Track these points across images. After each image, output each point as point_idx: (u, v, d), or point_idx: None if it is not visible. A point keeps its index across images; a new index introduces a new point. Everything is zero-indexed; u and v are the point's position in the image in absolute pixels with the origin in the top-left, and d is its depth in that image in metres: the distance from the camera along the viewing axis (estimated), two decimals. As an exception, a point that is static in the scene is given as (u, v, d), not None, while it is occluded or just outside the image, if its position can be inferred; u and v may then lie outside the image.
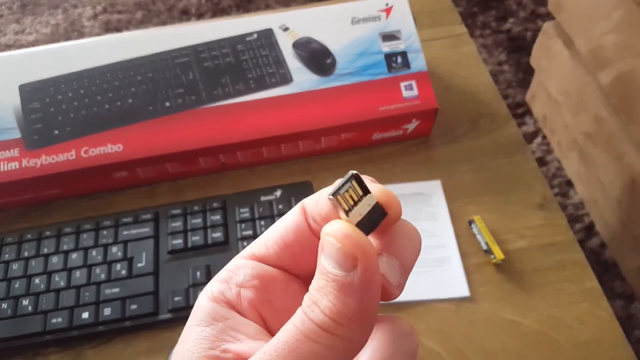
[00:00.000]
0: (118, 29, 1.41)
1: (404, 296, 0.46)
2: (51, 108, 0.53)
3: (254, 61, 0.54)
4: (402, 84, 0.53)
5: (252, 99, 0.53)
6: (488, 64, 1.25)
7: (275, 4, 1.44)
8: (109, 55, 0.54)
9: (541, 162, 1.09)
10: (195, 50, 0.55)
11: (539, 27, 1.28)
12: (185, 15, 1.43)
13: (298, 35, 0.55)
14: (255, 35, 0.56)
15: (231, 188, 0.54)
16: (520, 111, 1.16)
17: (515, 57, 1.26)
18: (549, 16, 1.27)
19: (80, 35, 1.41)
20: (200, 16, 1.42)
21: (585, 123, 0.93)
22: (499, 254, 0.47)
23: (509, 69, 1.24)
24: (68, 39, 1.40)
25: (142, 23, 1.41)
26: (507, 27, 1.32)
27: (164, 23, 1.41)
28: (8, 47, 1.40)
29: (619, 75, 0.81)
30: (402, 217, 0.17)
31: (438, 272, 0.48)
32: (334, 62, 0.54)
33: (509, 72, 1.24)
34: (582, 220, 1.02)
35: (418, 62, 0.54)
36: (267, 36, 0.55)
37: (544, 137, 1.11)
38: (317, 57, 0.54)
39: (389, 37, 0.55)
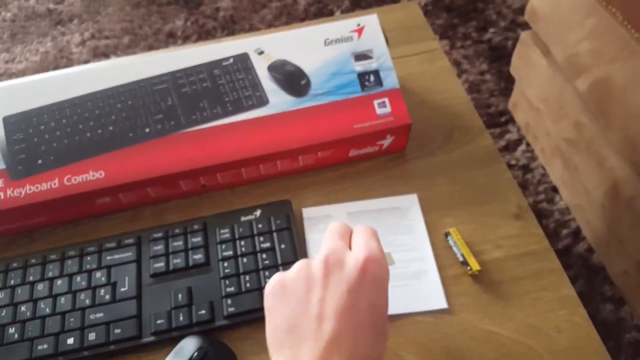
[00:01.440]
0: (106, 55, 1.43)
1: (384, 310, 0.47)
2: (34, 138, 0.54)
3: (231, 85, 0.56)
4: (375, 102, 0.55)
5: (230, 121, 0.54)
6: (470, 74, 1.27)
7: (259, 23, 1.47)
8: (89, 84, 0.56)
9: (526, 169, 1.10)
10: (174, 77, 0.56)
11: (519, 36, 1.30)
12: (171, 38, 1.45)
13: (273, 58, 0.57)
14: (231, 60, 0.57)
15: (213, 209, 0.55)
16: (504, 119, 1.18)
17: (496, 66, 1.29)
18: (527, 25, 1.30)
19: (69, 61, 1.43)
20: (186, 39, 1.45)
21: (566, 129, 0.94)
22: (474, 266, 0.48)
23: (491, 78, 1.26)
24: (57, 65, 1.42)
25: (129, 47, 1.43)
26: (488, 37, 1.35)
27: (150, 47, 1.44)
28: (-1, 75, 1.42)
29: (594, 81, 0.83)
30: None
31: (416, 285, 0.48)
32: (308, 83, 0.56)
33: (491, 81, 1.26)
34: (568, 225, 1.03)
35: (390, 80, 0.56)
36: (243, 60, 0.57)
37: (528, 144, 1.13)
38: (292, 79, 0.56)
39: (361, 56, 0.57)
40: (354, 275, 0.34)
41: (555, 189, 1.06)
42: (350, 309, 0.33)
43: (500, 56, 1.30)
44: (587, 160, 0.90)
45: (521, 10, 1.40)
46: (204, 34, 1.45)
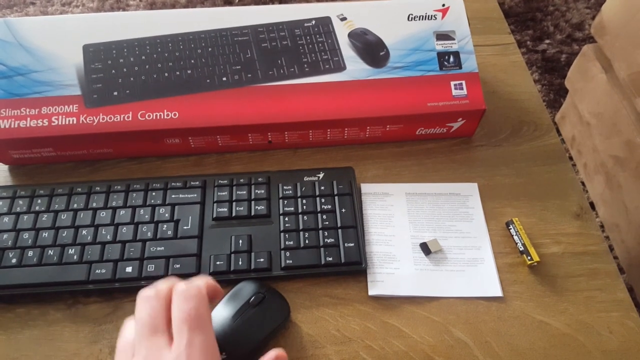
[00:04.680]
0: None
1: (438, 292, 0.47)
2: (112, 70, 0.55)
3: (310, 46, 0.56)
4: (453, 83, 0.55)
5: (305, 82, 0.54)
6: (521, 82, 1.26)
7: None
8: (170, 26, 0.56)
9: (566, 182, 1.09)
10: (255, 31, 0.57)
11: (574, 51, 1.29)
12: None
13: (355, 25, 0.57)
14: (313, 22, 0.57)
15: (274, 166, 0.56)
16: (550, 130, 1.17)
17: (548, 78, 1.27)
18: (585, 41, 1.28)
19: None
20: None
21: (616, 147, 0.93)
22: (535, 256, 0.48)
23: (541, 88, 1.25)
24: (111, 15, 1.43)
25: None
26: (543, 47, 1.33)
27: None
28: (53, 16, 1.43)
29: (656, 102, 0.82)
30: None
31: (472, 272, 0.48)
32: (387, 54, 0.56)
33: (541, 92, 1.25)
34: (601, 243, 1.02)
35: (469, 63, 0.56)
36: (324, 24, 0.57)
37: (570, 158, 1.12)
38: (372, 49, 0.56)
39: (443, 36, 0.57)
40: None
41: (592, 205, 1.06)
42: None
43: (552, 68, 1.29)
44: (635, 180, 0.89)
45: (579, 26, 1.38)
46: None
